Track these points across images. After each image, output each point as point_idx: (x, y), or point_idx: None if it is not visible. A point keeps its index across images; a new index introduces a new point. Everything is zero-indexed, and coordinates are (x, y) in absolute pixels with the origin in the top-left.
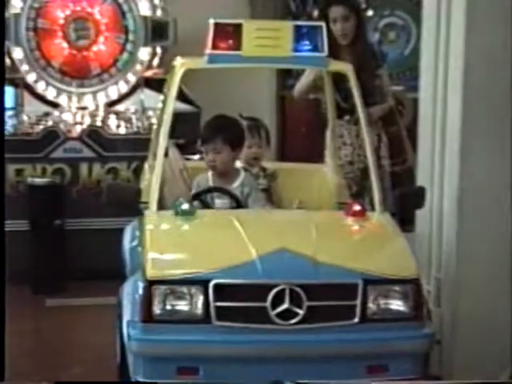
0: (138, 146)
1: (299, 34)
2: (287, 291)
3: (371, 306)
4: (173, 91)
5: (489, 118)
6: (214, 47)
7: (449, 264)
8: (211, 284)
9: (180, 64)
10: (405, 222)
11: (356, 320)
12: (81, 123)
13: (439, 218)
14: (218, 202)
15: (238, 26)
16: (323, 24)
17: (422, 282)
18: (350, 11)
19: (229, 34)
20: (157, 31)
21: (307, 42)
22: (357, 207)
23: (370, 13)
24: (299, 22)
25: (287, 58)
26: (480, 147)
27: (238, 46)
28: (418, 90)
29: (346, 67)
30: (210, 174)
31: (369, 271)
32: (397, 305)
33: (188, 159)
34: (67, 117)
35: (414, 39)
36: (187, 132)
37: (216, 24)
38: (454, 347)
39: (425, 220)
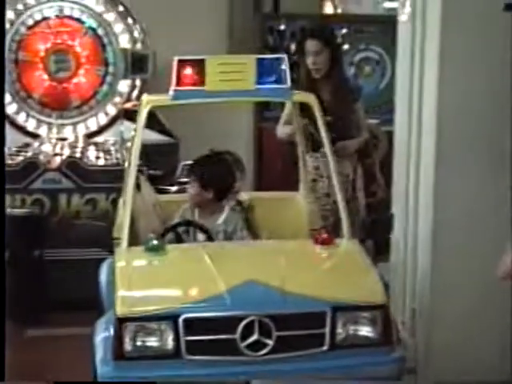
0: (116, 177)
1: (262, 67)
2: (256, 322)
3: (340, 332)
4: (139, 127)
5: (463, 152)
6: (179, 83)
7: (423, 294)
8: (181, 319)
9: (145, 101)
10: (380, 251)
11: (325, 347)
12: (60, 154)
13: (414, 249)
14: (200, 236)
15: (201, 62)
16: (285, 56)
17: (398, 313)
18: (323, 45)
19: (192, 69)
20: (136, 64)
21: (270, 75)
22: (325, 235)
23: (345, 47)
24: (262, 56)
25: (251, 91)
26: (454, 181)
27: (201, 81)
28: (393, 124)
29: (309, 98)
30: (190, 206)
31: (337, 298)
32: (366, 331)
33: (165, 191)
34: (47, 148)
35: (389, 73)
36: (165, 163)
37: (179, 60)
38: (428, 377)
39: (399, 251)
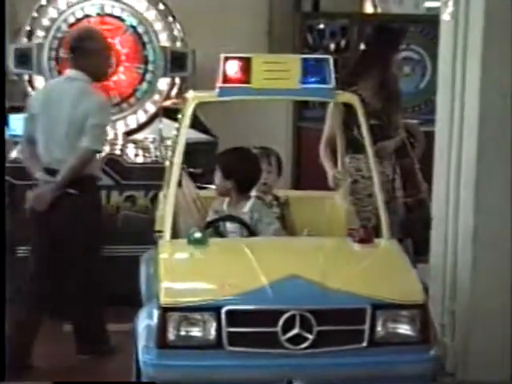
0: (155, 174)
1: (307, 67)
2: (297, 316)
3: (379, 330)
4: (185, 124)
5: (504, 152)
6: (225, 80)
7: (463, 297)
8: (223, 310)
9: (192, 97)
10: (419, 252)
11: (364, 344)
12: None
13: (453, 251)
14: (229, 226)
15: (248, 60)
16: (330, 57)
17: (437, 315)
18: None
19: (239, 67)
20: (176, 62)
21: (315, 75)
22: (364, 233)
23: None
24: (307, 56)
25: (295, 90)
26: (495, 180)
27: (247, 79)
28: (434, 124)
29: (352, 98)
30: (225, 201)
31: (377, 296)
32: (404, 329)
33: (205, 188)
34: None
35: (429, 73)
36: (204, 161)
37: (226, 58)
38: (467, 380)
39: (439, 252)
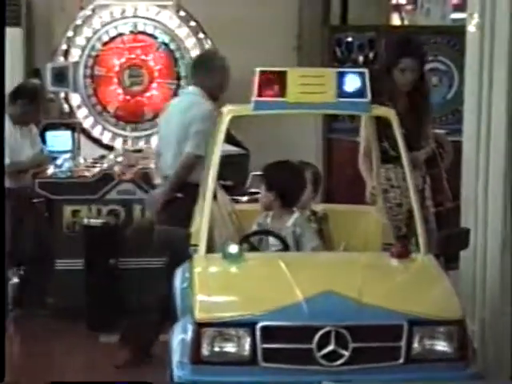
0: None
1: (343, 80)
2: (333, 333)
3: (416, 346)
4: (220, 137)
5: None
6: (260, 94)
7: (493, 304)
8: (258, 326)
9: (227, 111)
10: (450, 259)
11: (401, 361)
12: (134, 166)
13: (483, 258)
14: (272, 240)
15: (283, 74)
16: (366, 70)
17: (467, 321)
18: (418, 63)
19: (274, 81)
20: None
21: (350, 88)
22: (401, 249)
23: None
24: (343, 69)
25: (331, 104)
26: None
27: (282, 92)
28: (462, 134)
29: (388, 112)
30: (269, 215)
31: (414, 312)
32: (442, 345)
33: (236, 201)
34: (121, 160)
35: (456, 84)
36: (236, 174)
37: (261, 72)
38: None
39: (469, 260)
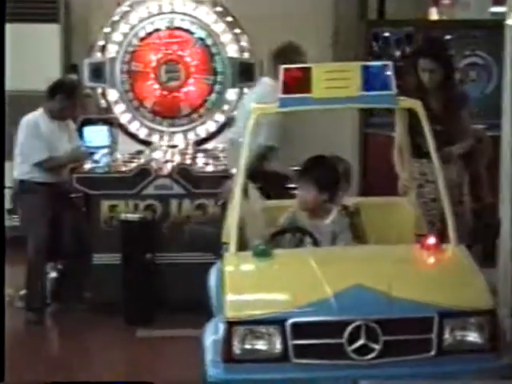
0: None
1: (368, 74)
2: (363, 327)
3: (447, 338)
4: (247, 134)
5: None
6: (285, 91)
7: None
8: (288, 323)
9: (254, 109)
10: (488, 257)
11: (432, 353)
12: (171, 161)
13: None
14: (307, 240)
15: (308, 70)
16: (390, 63)
17: (506, 315)
18: (437, 64)
19: (299, 78)
20: (243, 72)
21: (376, 82)
22: (431, 240)
23: (452, 53)
24: (367, 63)
25: (357, 98)
26: None
27: (308, 88)
28: (500, 129)
29: (415, 104)
30: (296, 210)
31: (444, 304)
32: (473, 337)
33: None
34: (158, 155)
35: (495, 78)
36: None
37: (286, 69)
38: None
39: (507, 256)
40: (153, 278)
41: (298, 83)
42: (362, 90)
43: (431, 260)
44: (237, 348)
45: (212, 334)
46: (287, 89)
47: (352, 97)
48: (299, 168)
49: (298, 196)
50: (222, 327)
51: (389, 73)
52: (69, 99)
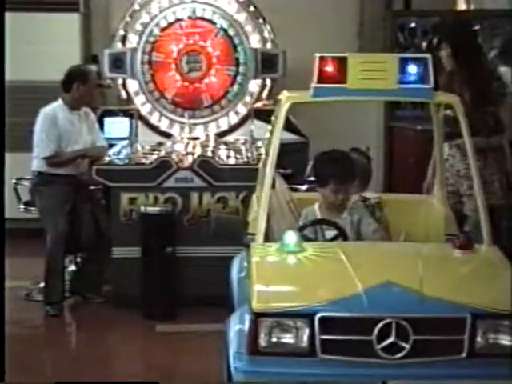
0: (246, 175)
1: (405, 66)
2: (393, 325)
3: (480, 340)
4: (279, 124)
5: None
6: (319, 80)
7: None
8: (317, 317)
9: (285, 98)
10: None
11: (464, 355)
12: (192, 153)
13: None
14: (328, 234)
15: (343, 60)
16: (429, 56)
17: None
18: (450, 50)
19: (334, 67)
20: (266, 63)
21: (413, 74)
22: (464, 240)
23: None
24: (405, 55)
25: (393, 91)
26: None
27: (343, 79)
28: None
29: (452, 99)
30: (316, 205)
31: (477, 305)
32: (506, 340)
33: (295, 189)
34: (179, 147)
35: None
36: (295, 162)
37: (321, 58)
38: None
39: None
40: (173, 271)
41: (332, 73)
42: (399, 82)
43: (464, 260)
44: (263, 340)
45: (237, 326)
46: (321, 78)
47: (388, 89)
48: (318, 164)
49: (321, 194)
50: (247, 319)
51: (427, 66)
52: (84, 86)
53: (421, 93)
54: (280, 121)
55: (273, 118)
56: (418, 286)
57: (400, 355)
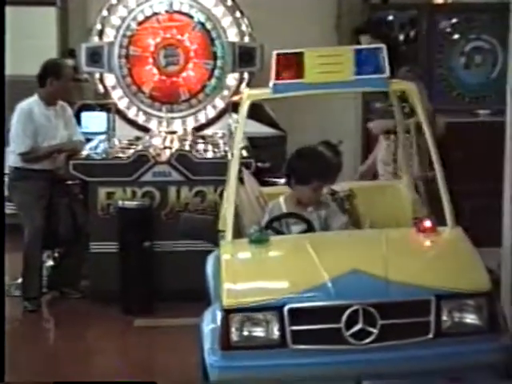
0: (224, 169)
1: (360, 58)
2: (360, 311)
3: (445, 320)
4: (241, 122)
5: None
6: (278, 77)
7: None
8: (285, 309)
9: (246, 95)
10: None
11: (430, 336)
12: (170, 147)
13: None
14: (294, 228)
15: (300, 55)
16: (383, 46)
17: (507, 300)
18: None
19: (291, 63)
20: (244, 57)
21: (369, 65)
22: (427, 223)
23: (455, 36)
24: (360, 46)
25: (349, 82)
26: None
27: (300, 74)
28: (505, 114)
29: (408, 86)
30: (282, 199)
31: (441, 286)
32: (471, 318)
33: (273, 183)
34: (157, 141)
35: (501, 63)
36: (273, 155)
37: (278, 54)
38: None
39: (509, 239)
40: (151, 266)
41: (290, 68)
42: (355, 74)
43: (427, 243)
44: (235, 335)
45: (210, 322)
46: (280, 74)
47: (344, 81)
48: (297, 162)
49: (297, 191)
50: (219, 315)
51: (382, 56)
52: (59, 80)
53: (376, 82)
54: (242, 118)
55: (236, 116)
56: (383, 272)
57: (369, 340)
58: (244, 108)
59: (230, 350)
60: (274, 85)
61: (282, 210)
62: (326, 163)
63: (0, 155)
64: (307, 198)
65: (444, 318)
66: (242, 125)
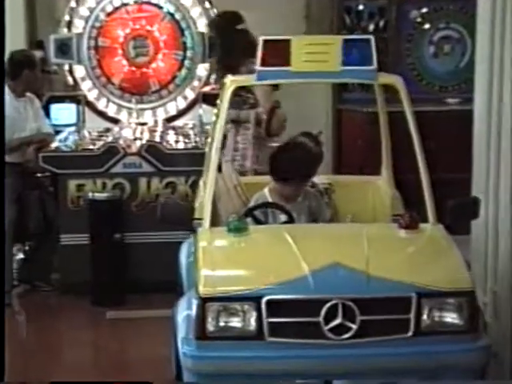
0: (195, 160)
1: (348, 48)
2: (340, 306)
3: (425, 319)
4: (223, 108)
5: None
6: (264, 64)
7: (504, 276)
8: (264, 300)
9: (230, 81)
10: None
11: (410, 334)
12: (140, 139)
13: (495, 231)
14: (282, 217)
15: (287, 42)
16: (372, 37)
17: (479, 293)
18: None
19: (278, 50)
20: (214, 47)
21: (356, 56)
22: (409, 219)
23: (426, 26)
24: (348, 36)
25: (337, 73)
26: None
27: (287, 61)
28: (473, 103)
29: (394, 80)
30: (267, 190)
31: (422, 284)
32: (451, 317)
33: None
34: (127, 132)
35: (470, 52)
36: None
37: (265, 41)
38: (510, 359)
39: (480, 232)
40: (122, 258)
41: (276, 55)
42: (343, 64)
43: (409, 239)
44: (210, 325)
45: (184, 311)
46: (265, 61)
47: (331, 71)
48: (274, 159)
49: (280, 187)
50: (194, 303)
51: (370, 47)
52: (30, 72)
53: (364, 74)
54: (225, 105)
55: (218, 102)
56: (364, 267)
57: (347, 336)
58: (227, 95)
59: (205, 340)
60: (259, 71)
61: (267, 200)
62: (308, 163)
63: (0, 153)
64: (288, 195)
65: (424, 316)
66: (223, 112)
